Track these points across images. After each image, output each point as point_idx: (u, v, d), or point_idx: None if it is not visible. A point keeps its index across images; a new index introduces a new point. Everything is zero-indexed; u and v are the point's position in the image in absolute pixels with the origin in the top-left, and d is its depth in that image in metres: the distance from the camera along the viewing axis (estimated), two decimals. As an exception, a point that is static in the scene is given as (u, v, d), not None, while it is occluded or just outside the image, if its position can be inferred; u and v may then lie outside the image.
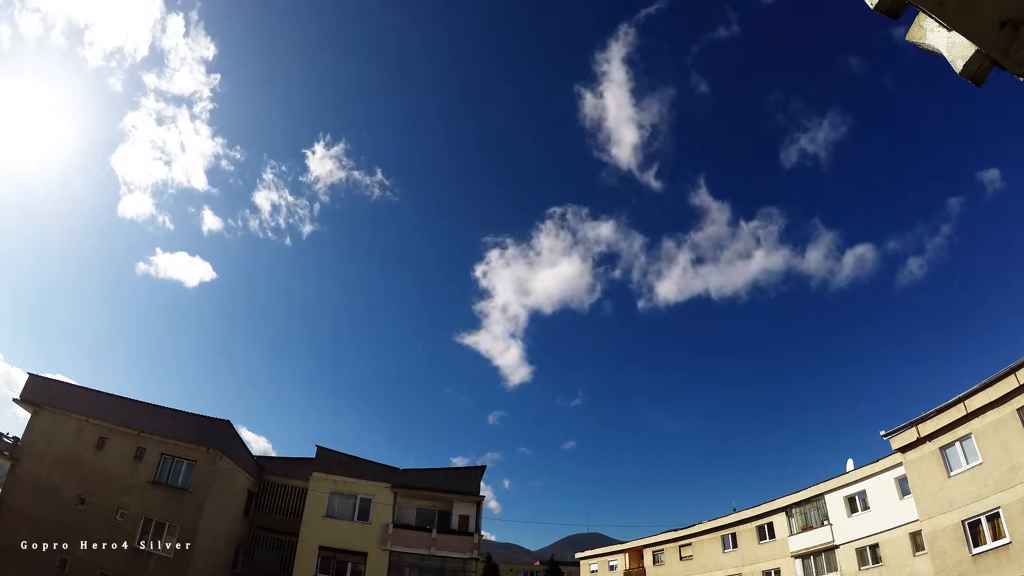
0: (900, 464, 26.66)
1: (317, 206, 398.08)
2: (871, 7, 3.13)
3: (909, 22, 3.27)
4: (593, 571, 54.26)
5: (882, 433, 26.87)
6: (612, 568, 51.48)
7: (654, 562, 46.47)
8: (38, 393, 28.31)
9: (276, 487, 34.83)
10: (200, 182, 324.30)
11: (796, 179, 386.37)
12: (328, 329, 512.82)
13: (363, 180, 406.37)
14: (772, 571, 35.95)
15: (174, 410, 29.97)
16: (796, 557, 34.13)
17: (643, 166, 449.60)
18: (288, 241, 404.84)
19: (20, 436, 27.37)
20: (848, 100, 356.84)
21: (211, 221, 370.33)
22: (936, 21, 3.01)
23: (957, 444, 23.14)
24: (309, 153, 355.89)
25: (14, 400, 28.06)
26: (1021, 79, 3.03)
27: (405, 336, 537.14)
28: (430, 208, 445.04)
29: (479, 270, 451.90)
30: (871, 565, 29.39)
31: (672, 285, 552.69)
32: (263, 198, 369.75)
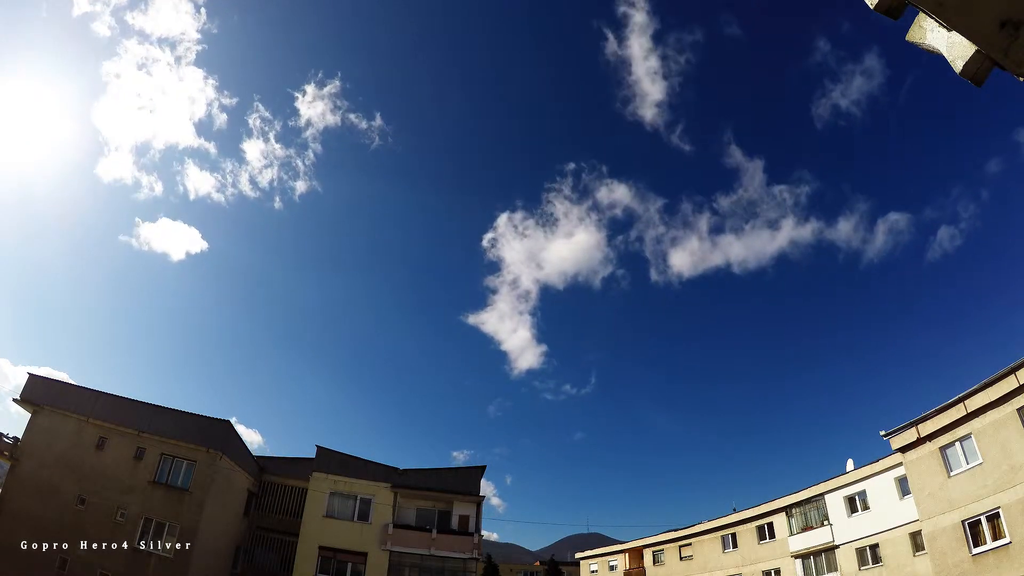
0: (900, 464, 26.66)
1: (310, 155, 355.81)
2: (871, 7, 3.13)
3: (909, 22, 3.27)
4: (593, 571, 54.25)
5: (882, 433, 26.87)
6: (612, 568, 51.47)
7: (654, 562, 46.46)
8: (38, 393, 28.31)
9: (276, 487, 34.82)
10: (186, 135, 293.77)
11: (829, 139, 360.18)
12: (324, 306, 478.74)
13: (359, 124, 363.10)
14: (772, 571, 35.95)
15: (174, 410, 29.95)
16: (796, 557, 34.13)
17: (666, 118, 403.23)
18: (279, 203, 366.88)
19: (20, 436, 27.39)
20: (884, 46, 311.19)
21: (198, 180, 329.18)
22: (936, 21, 3.00)
23: (957, 444, 23.13)
24: (298, 96, 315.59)
25: (14, 400, 28.07)
26: (1021, 79, 3.03)
27: (408, 313, 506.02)
28: (435, 159, 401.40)
29: (487, 239, 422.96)
30: (871, 565, 29.39)
31: (690, 256, 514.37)
32: (253, 149, 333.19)
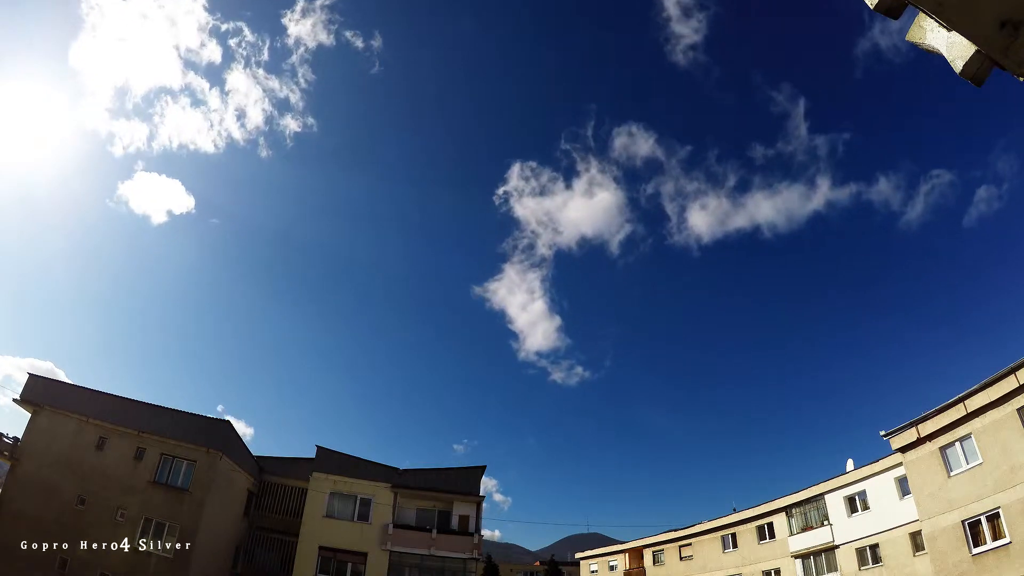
0: (900, 464, 26.65)
1: (301, 82, 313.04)
2: (871, 7, 3.13)
3: (909, 22, 3.27)
4: (593, 571, 54.25)
5: (882, 433, 26.87)
6: (612, 568, 51.47)
7: (654, 562, 46.46)
8: (38, 393, 28.31)
9: (276, 487, 34.83)
10: (169, 70, 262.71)
11: (870, 87, 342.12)
12: (324, 271, 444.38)
13: (355, 43, 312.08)
14: (772, 571, 35.95)
15: (174, 410, 29.98)
16: (796, 557, 34.12)
17: (698, 59, 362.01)
18: (265, 151, 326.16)
19: (20, 436, 27.38)
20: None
21: (181, 123, 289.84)
22: (936, 21, 3.00)
23: (957, 444, 23.13)
24: (287, 13, 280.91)
25: (14, 400, 28.07)
26: (1021, 79, 3.03)
27: (413, 286, 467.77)
28: (443, 92, 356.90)
29: (500, 192, 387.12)
30: (871, 565, 29.38)
31: (712, 217, 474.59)
32: (239, 82, 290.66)
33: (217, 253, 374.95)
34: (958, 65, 3.11)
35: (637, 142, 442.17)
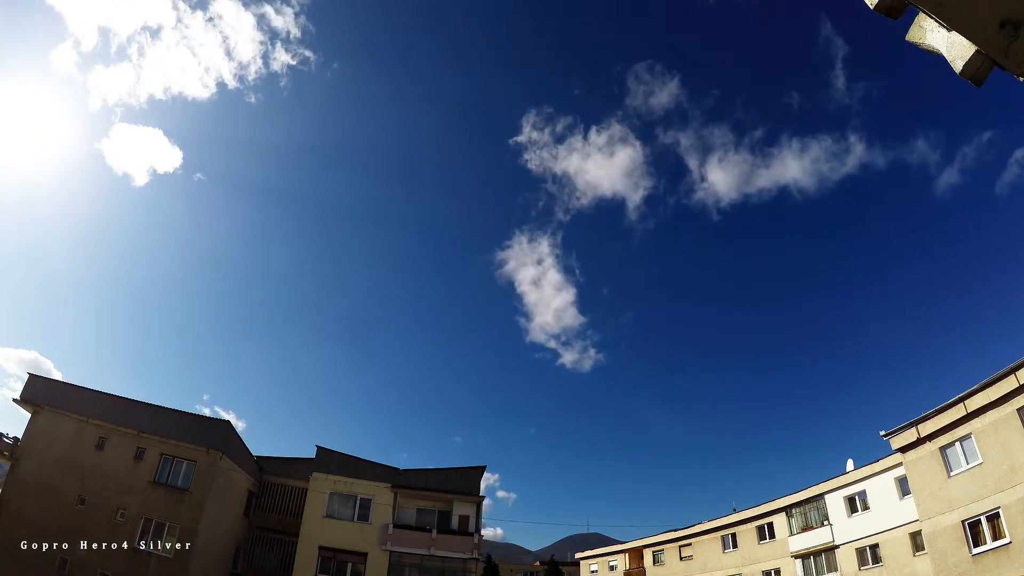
0: (900, 464, 26.65)
1: (295, 4, 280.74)
2: (871, 7, 3.13)
3: (909, 22, 3.27)
4: (593, 571, 54.24)
5: (882, 433, 26.87)
6: (612, 568, 51.45)
7: (654, 562, 46.45)
8: (38, 393, 28.31)
9: (276, 487, 34.82)
10: (159, 10, 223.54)
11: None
12: (317, 224, 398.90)
13: None
14: (772, 571, 35.94)
15: (174, 410, 30.00)
16: (796, 557, 34.12)
17: None
18: (257, 96, 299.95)
19: (20, 436, 27.38)
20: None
21: (163, 64, 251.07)
22: (936, 21, 3.00)
23: (957, 444, 23.13)
24: None
25: (14, 400, 28.07)
26: (1021, 79, 3.03)
27: (419, 257, 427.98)
28: (458, 25, 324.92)
29: (514, 141, 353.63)
30: (871, 565, 29.38)
31: (735, 175, 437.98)
32: (227, 9, 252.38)
33: (208, 216, 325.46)
34: (958, 65, 3.11)
35: (659, 85, 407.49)
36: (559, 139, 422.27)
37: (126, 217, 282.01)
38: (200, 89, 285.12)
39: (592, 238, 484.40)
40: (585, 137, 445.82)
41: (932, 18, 3.00)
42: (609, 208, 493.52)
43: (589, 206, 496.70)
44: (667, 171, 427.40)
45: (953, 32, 2.99)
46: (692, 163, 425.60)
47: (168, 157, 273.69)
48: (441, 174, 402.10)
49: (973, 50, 3.00)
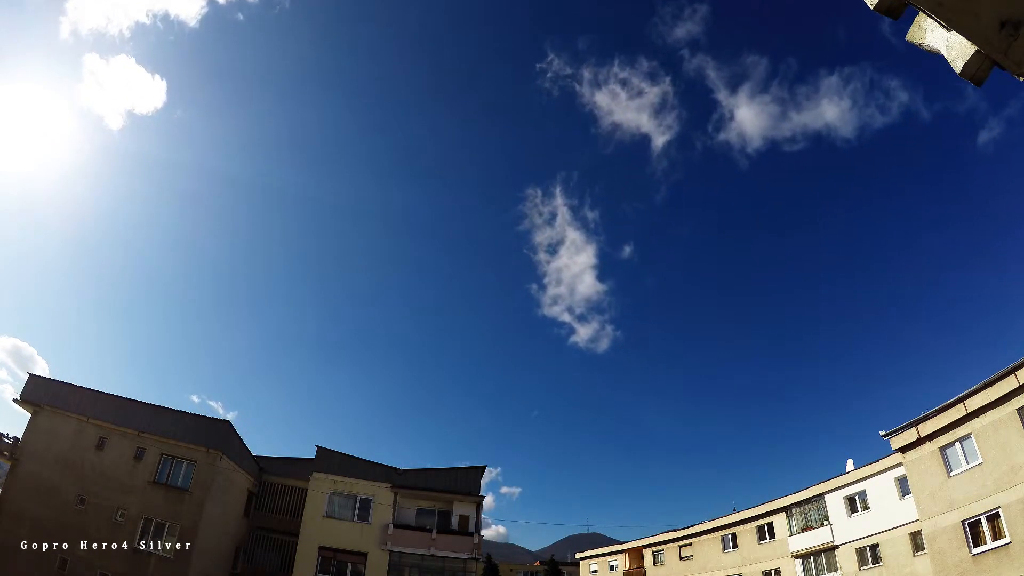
0: (900, 464, 26.65)
1: None
2: (871, 7, 3.13)
3: (909, 22, 3.27)
4: (593, 571, 54.24)
5: (882, 433, 26.87)
6: (612, 568, 51.45)
7: (654, 562, 46.44)
8: (38, 393, 28.31)
9: (276, 487, 34.84)
10: None
11: None
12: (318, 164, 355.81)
13: None
14: (772, 571, 35.94)
15: (174, 410, 30.01)
16: (796, 557, 34.12)
17: None
18: (241, 15, 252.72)
19: (20, 436, 27.38)
20: None
21: None
22: (936, 21, 3.00)
23: (957, 444, 23.13)
24: None
25: (14, 400, 28.07)
26: (1021, 79, 3.03)
27: (424, 213, 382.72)
28: None
29: (539, 66, 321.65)
30: (871, 565, 29.38)
31: (766, 115, 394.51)
32: None
33: (188, 157, 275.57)
34: (958, 65, 3.11)
35: (689, 12, 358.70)
36: (580, 67, 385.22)
37: (102, 166, 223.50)
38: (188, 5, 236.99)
39: (615, 184, 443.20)
40: (611, 69, 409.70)
41: (932, 18, 3.00)
42: (633, 150, 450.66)
43: (613, 150, 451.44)
44: (694, 107, 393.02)
45: (953, 32, 2.99)
46: (721, 97, 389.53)
47: (151, 95, 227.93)
48: (455, 95, 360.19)
49: (973, 50, 3.00)
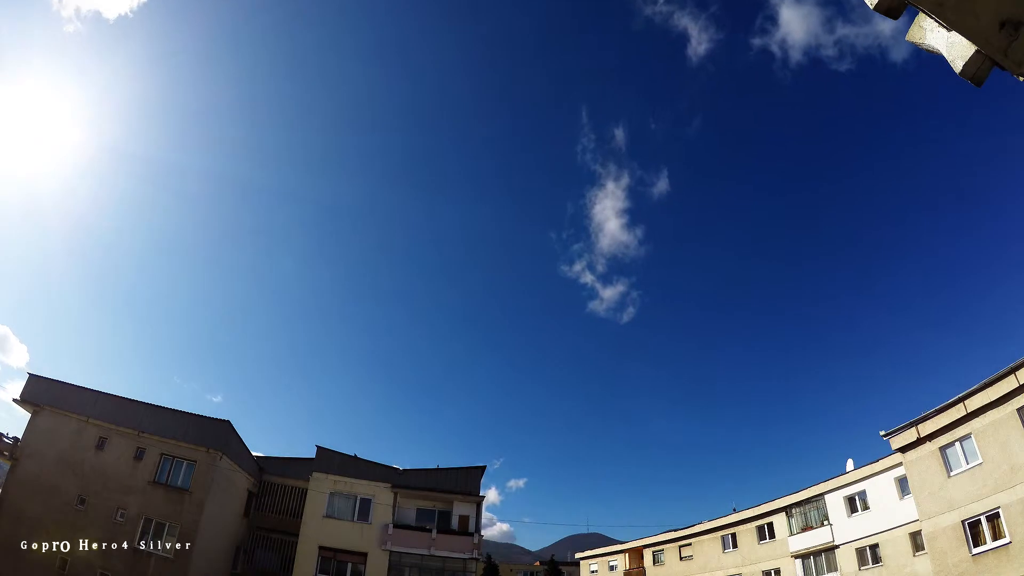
0: (900, 464, 26.65)
1: None
2: (871, 7, 3.13)
3: (909, 22, 3.27)
4: (593, 571, 54.24)
5: (882, 433, 26.87)
6: (612, 568, 51.46)
7: (654, 562, 46.44)
8: (38, 393, 28.30)
9: (276, 487, 34.84)
10: None
11: None
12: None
13: None
14: (772, 571, 35.93)
15: (174, 410, 29.97)
16: (796, 557, 34.12)
17: None
18: None
19: (20, 436, 27.38)
20: None
21: None
22: (936, 21, 3.00)
23: (957, 444, 23.13)
24: None
25: (14, 400, 28.06)
26: (1021, 79, 3.03)
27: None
28: None
29: None
30: (871, 565, 29.37)
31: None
32: None
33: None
34: (958, 65, 3.11)
35: None
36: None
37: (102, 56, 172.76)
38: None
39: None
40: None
41: (932, 18, 3.00)
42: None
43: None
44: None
45: (953, 32, 2.99)
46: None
47: None
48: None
49: (973, 50, 3.00)
